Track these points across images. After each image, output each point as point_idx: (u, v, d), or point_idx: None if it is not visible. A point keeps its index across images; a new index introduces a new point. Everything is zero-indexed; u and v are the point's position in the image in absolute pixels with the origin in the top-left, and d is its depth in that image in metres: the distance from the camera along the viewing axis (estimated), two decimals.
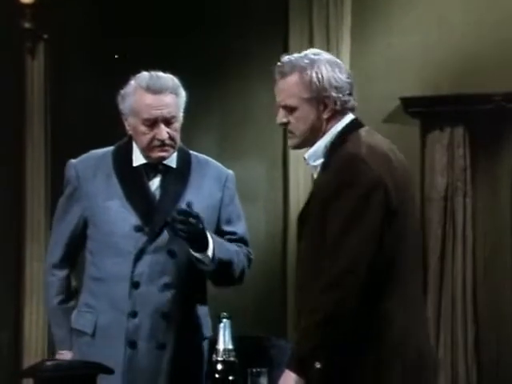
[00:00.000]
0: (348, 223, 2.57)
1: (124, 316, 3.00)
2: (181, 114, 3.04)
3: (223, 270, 3.00)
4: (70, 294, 3.13)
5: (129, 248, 3.01)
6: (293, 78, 2.69)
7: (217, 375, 2.61)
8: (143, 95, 3.00)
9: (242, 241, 3.10)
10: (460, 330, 4.91)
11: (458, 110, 4.94)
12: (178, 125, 3.03)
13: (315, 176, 2.75)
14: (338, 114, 2.70)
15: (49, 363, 2.82)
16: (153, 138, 3.00)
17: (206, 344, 3.04)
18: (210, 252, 2.96)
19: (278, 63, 2.72)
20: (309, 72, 2.67)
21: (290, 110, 2.70)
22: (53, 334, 3.15)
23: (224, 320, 2.64)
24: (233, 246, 3.06)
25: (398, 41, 5.03)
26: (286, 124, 2.72)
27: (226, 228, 3.09)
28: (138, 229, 3.02)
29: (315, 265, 2.61)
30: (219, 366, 2.62)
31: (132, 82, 3.03)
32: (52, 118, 4.93)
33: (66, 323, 3.10)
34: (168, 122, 3.00)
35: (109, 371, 2.78)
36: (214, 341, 2.68)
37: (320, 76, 2.68)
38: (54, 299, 3.10)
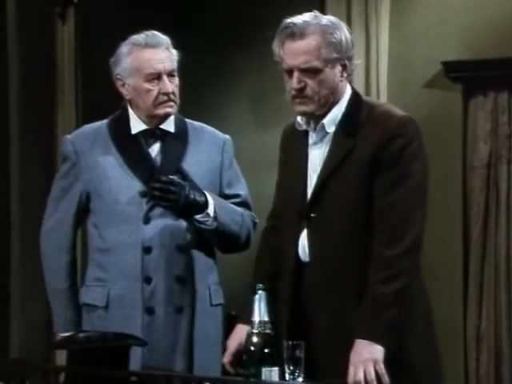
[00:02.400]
0: (423, 184, 2.62)
1: (138, 283, 3.00)
2: (176, 73, 3.05)
3: (228, 232, 3.00)
4: (76, 276, 3.12)
5: (136, 214, 3.00)
6: (316, 38, 2.61)
7: (252, 348, 2.56)
8: (142, 51, 3.01)
9: (244, 204, 3.10)
10: (504, 302, 4.82)
11: (503, 75, 4.81)
12: (177, 81, 3.05)
13: (319, 139, 2.69)
14: (347, 78, 2.67)
15: (81, 335, 2.82)
16: (158, 94, 3.00)
17: (219, 310, 3.07)
18: (210, 209, 2.97)
19: (287, 24, 2.63)
20: (334, 32, 2.61)
21: (314, 72, 2.62)
22: (58, 315, 3.13)
23: (259, 292, 2.59)
24: (237, 208, 3.07)
25: (439, 0, 4.88)
26: (302, 89, 2.63)
27: (228, 191, 3.10)
28: (143, 194, 3.01)
29: (367, 226, 2.61)
30: (254, 339, 2.56)
31: (124, 46, 3.04)
32: (82, 82, 4.95)
33: (75, 305, 3.09)
34: (170, 75, 3.01)
35: (142, 343, 2.75)
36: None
37: (346, 35, 2.63)
38: (64, 282, 3.09)
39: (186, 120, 3.14)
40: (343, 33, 2.64)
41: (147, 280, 3.01)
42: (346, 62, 2.64)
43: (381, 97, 4.89)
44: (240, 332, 2.73)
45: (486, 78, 4.83)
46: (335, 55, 2.62)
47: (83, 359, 2.67)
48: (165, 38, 3.05)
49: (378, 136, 2.60)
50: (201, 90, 4.97)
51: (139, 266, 3.00)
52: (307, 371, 2.52)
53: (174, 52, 3.06)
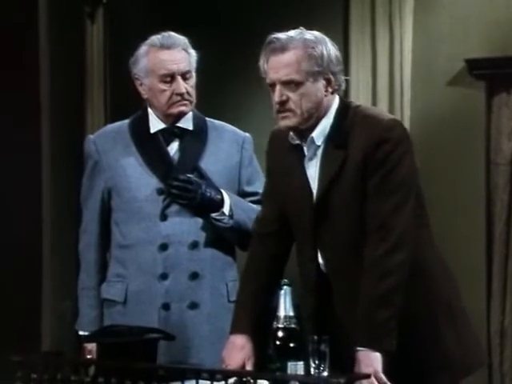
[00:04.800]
0: (407, 186, 2.62)
1: (155, 279, 3.04)
2: (194, 73, 3.08)
3: (245, 230, 3.01)
4: (104, 275, 3.15)
5: (153, 211, 3.04)
6: (298, 52, 2.62)
7: (277, 342, 2.59)
8: (157, 52, 3.05)
9: None
10: None
11: None
12: (193, 81, 3.08)
13: (313, 154, 2.69)
14: (334, 93, 2.67)
15: (110, 329, 2.85)
16: (172, 94, 3.04)
17: None
18: (226, 208, 3.01)
19: (270, 40, 2.64)
20: (316, 45, 2.62)
21: (295, 85, 2.62)
22: (82, 314, 3.17)
23: (284, 287, 2.62)
24: (254, 206, 3.08)
25: None
26: (284, 102, 2.64)
27: (247, 189, 3.13)
28: (160, 192, 3.05)
29: (362, 227, 2.61)
30: (280, 333, 2.59)
31: (142, 46, 3.09)
32: (111, 81, 4.99)
33: (100, 304, 3.13)
34: (184, 76, 3.04)
35: (170, 337, 2.80)
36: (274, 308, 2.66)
37: (328, 50, 2.63)
38: (92, 280, 3.14)
39: (207, 118, 3.17)
40: (326, 47, 2.64)
41: (164, 276, 3.04)
42: (331, 76, 2.64)
43: (404, 95, 4.89)
44: (239, 345, 2.75)
45: (510, 74, 4.82)
46: (316, 68, 2.62)
47: (113, 353, 2.69)
48: (182, 39, 3.08)
49: (365, 143, 2.60)
50: (225, 90, 4.99)
51: (156, 262, 3.04)
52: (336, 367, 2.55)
53: (193, 52, 3.09)
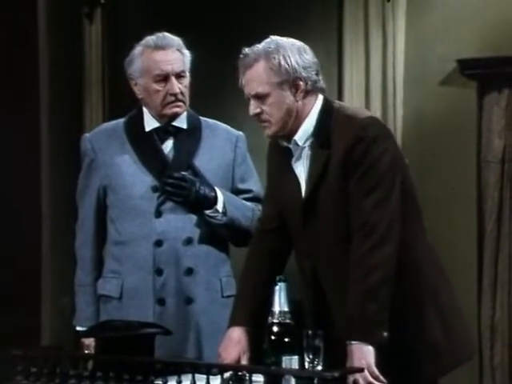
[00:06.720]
0: (387, 182, 2.64)
1: (150, 275, 3.08)
2: (188, 73, 3.11)
3: (238, 226, 3.08)
4: (100, 271, 3.19)
5: (148, 208, 3.08)
6: (260, 65, 2.69)
7: (272, 337, 2.63)
8: (152, 53, 3.08)
9: (256, 199, 3.17)
10: None
11: None
12: (187, 81, 3.11)
13: (299, 155, 2.74)
14: (310, 94, 2.72)
15: (108, 324, 2.90)
16: (166, 94, 3.08)
17: (231, 301, 3.06)
18: (219, 205, 3.05)
19: (241, 54, 2.72)
20: (276, 56, 2.68)
21: (263, 97, 2.70)
22: (79, 310, 3.21)
23: (279, 283, 2.66)
24: (247, 203, 3.14)
25: None
26: (259, 114, 2.71)
27: (241, 186, 3.18)
28: (154, 189, 3.10)
29: (346, 224, 2.65)
30: (275, 328, 2.63)
31: (137, 47, 3.12)
32: (109, 81, 5.02)
33: (96, 300, 3.16)
34: (178, 76, 3.08)
35: (167, 332, 2.84)
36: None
37: (288, 58, 2.69)
38: (88, 276, 3.17)
39: (201, 117, 3.21)
40: (285, 55, 2.69)
41: (158, 272, 3.09)
42: (299, 82, 2.70)
43: (397, 95, 4.92)
44: (235, 340, 2.81)
45: (501, 74, 4.84)
46: (278, 79, 2.69)
47: (111, 347, 2.73)
48: (176, 40, 3.12)
49: (344, 142, 2.66)
50: (221, 90, 5.03)
51: (151, 258, 3.08)
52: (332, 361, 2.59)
53: (187, 53, 3.12)
